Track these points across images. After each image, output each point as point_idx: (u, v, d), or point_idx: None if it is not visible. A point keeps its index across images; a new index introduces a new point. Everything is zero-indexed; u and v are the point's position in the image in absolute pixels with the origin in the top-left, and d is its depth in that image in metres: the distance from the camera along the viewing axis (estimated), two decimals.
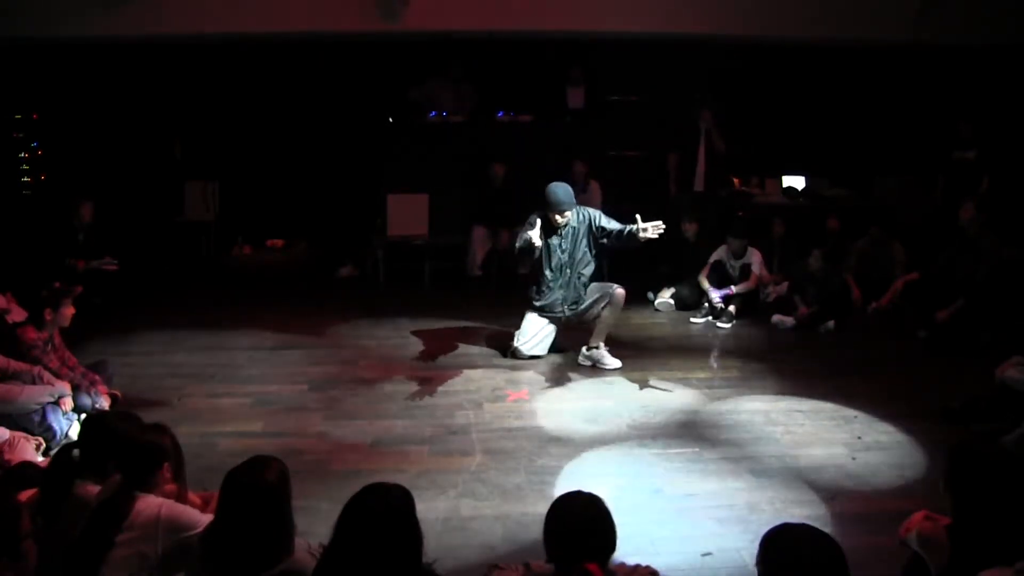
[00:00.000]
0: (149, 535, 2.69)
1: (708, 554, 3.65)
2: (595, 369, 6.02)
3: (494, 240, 8.51)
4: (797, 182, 9.64)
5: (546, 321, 6.21)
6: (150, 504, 2.75)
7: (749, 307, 7.41)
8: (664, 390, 5.63)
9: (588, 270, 6.14)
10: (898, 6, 7.86)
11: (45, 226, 7.81)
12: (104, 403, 4.89)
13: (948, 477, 2.73)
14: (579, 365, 6.11)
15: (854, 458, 4.60)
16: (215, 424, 4.99)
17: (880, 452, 4.69)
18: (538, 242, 5.92)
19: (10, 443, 4.15)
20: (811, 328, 7.05)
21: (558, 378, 5.87)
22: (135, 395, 5.24)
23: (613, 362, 6.04)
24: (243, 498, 2.56)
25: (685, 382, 5.79)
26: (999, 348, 5.66)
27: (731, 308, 7.27)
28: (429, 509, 3.87)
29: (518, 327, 6.24)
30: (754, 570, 2.31)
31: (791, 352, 6.58)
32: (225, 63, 9.22)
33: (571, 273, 6.09)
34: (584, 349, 6.14)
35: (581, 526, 2.50)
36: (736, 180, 9.57)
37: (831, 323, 7.10)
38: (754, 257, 7.57)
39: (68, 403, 4.64)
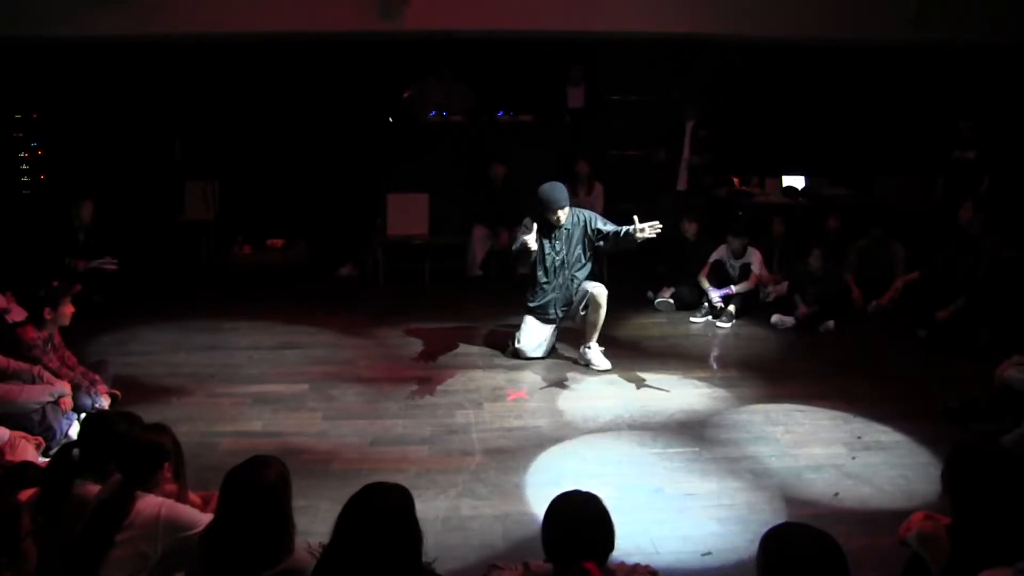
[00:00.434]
0: (149, 535, 2.69)
1: (708, 554, 3.65)
2: (594, 369, 6.03)
3: (494, 240, 8.51)
4: (797, 181, 9.62)
5: (543, 322, 6.22)
6: (150, 504, 2.75)
7: (749, 307, 7.40)
8: (664, 390, 5.63)
9: (582, 273, 6.12)
10: (898, 6, 7.86)
11: (45, 226, 7.79)
12: (104, 403, 4.89)
13: (948, 477, 2.74)
14: (578, 365, 6.12)
15: (854, 458, 4.61)
16: (215, 424, 4.99)
17: (880, 452, 4.70)
18: (533, 245, 5.90)
19: (10, 443, 4.14)
20: (811, 328, 7.05)
21: (558, 378, 5.87)
22: (135, 395, 5.23)
23: (603, 363, 6.03)
24: (243, 497, 2.57)
25: (685, 382, 5.79)
26: (999, 348, 5.68)
27: (731, 308, 7.27)
28: (429, 509, 3.88)
29: (518, 327, 6.24)
30: (754, 570, 2.31)
31: (791, 352, 6.59)
32: (225, 63, 9.22)
33: (564, 275, 6.08)
34: (579, 349, 6.17)
35: (579, 525, 2.51)
36: (736, 180, 9.57)
37: (831, 323, 7.10)
38: (754, 257, 7.57)
39: (68, 403, 4.64)
